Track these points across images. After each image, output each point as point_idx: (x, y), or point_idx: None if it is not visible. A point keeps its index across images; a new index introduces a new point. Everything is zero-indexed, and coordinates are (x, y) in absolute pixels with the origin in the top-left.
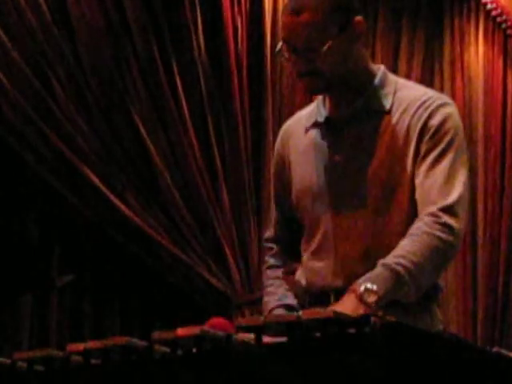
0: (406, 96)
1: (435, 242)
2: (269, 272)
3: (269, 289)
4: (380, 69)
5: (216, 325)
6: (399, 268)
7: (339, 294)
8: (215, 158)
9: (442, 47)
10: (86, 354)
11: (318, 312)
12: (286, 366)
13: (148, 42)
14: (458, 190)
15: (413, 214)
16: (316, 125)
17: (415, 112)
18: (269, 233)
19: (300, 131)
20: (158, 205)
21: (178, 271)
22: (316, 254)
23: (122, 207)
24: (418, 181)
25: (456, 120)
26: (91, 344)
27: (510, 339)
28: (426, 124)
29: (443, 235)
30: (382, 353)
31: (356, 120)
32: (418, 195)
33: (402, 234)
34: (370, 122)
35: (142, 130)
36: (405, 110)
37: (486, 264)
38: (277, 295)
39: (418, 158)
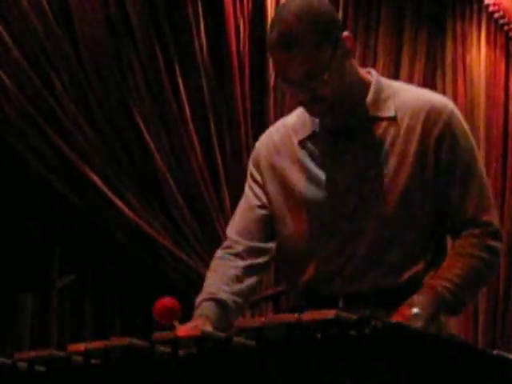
0: (407, 100)
1: (480, 264)
2: (218, 254)
3: (210, 276)
4: (372, 74)
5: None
6: (445, 292)
7: (348, 299)
8: (217, 158)
9: (444, 49)
10: (86, 354)
11: (319, 313)
12: (286, 368)
13: (150, 43)
14: (493, 204)
15: (419, 229)
16: (313, 136)
17: (426, 119)
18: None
19: (291, 141)
20: (160, 206)
21: (179, 272)
22: (314, 262)
23: (124, 208)
24: (452, 196)
25: (464, 122)
26: (92, 344)
27: (511, 342)
28: (444, 131)
29: (487, 257)
30: (383, 354)
31: (359, 129)
32: (455, 210)
33: (416, 244)
34: (377, 130)
35: (144, 131)
36: (412, 116)
37: None
38: (210, 289)
39: (441, 167)
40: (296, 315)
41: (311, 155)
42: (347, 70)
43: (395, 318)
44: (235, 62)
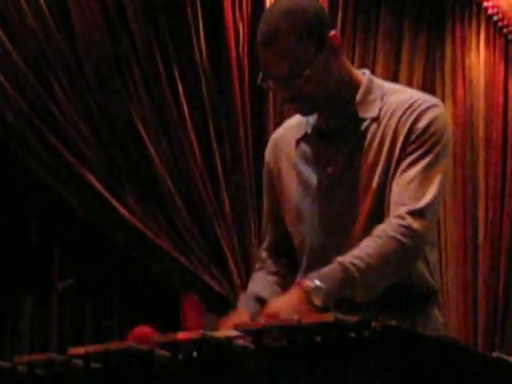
0: (393, 100)
1: (395, 245)
2: (254, 274)
3: (249, 287)
4: (365, 75)
5: (139, 335)
6: (352, 268)
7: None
8: (216, 162)
9: (444, 52)
10: (86, 357)
11: (319, 316)
12: (286, 371)
13: (149, 46)
14: (430, 194)
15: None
16: (306, 137)
17: (401, 116)
18: (264, 243)
19: (291, 142)
20: (160, 209)
21: (179, 275)
22: (310, 265)
23: (123, 211)
24: (393, 182)
25: (441, 122)
26: (92, 348)
27: (511, 345)
28: (411, 128)
29: (404, 239)
30: (382, 357)
31: (346, 130)
32: (391, 196)
33: None
34: (359, 130)
35: (144, 135)
36: (392, 115)
37: (487, 269)
38: (249, 290)
39: (401, 155)
40: (296, 318)
41: (303, 155)
42: (335, 68)
43: (294, 291)
44: (235, 67)
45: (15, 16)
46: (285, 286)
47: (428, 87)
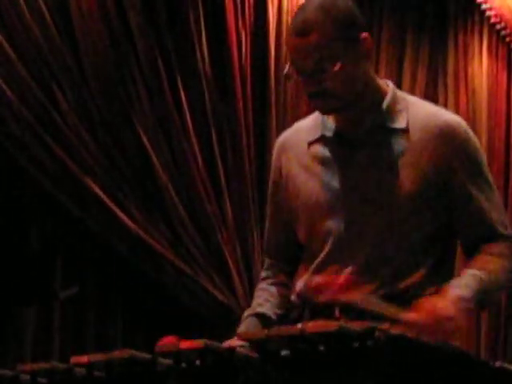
0: (420, 114)
1: (510, 264)
2: (259, 284)
3: (253, 301)
4: (389, 85)
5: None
6: (485, 279)
7: (344, 307)
8: (219, 170)
9: (446, 60)
10: (89, 366)
11: (322, 325)
12: (289, 380)
13: (152, 55)
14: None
15: (423, 237)
16: (322, 139)
17: (440, 134)
18: (266, 249)
19: (301, 144)
20: (162, 217)
21: (181, 284)
22: (321, 269)
23: (126, 219)
24: (469, 209)
25: (476, 139)
26: (94, 356)
27: None
28: (459, 152)
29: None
30: (386, 366)
31: (371, 138)
32: (472, 221)
33: (407, 254)
34: (386, 140)
35: (146, 142)
36: (425, 130)
37: None
38: (252, 306)
39: (456, 183)
40: (299, 327)
41: (318, 158)
42: (362, 72)
43: (445, 295)
44: (237, 74)
45: (18, 25)
46: (287, 295)
47: (430, 96)
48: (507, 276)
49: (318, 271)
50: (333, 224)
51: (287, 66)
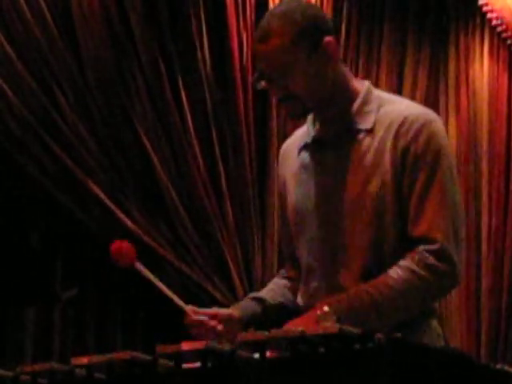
0: (388, 112)
1: (417, 281)
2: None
3: None
4: (364, 85)
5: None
6: (368, 298)
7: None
8: (220, 172)
9: (447, 63)
10: (89, 367)
11: (323, 327)
12: (290, 382)
13: (153, 57)
14: (449, 225)
15: (397, 235)
16: (306, 146)
17: (398, 131)
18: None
19: (294, 152)
20: (163, 219)
21: (181, 285)
22: (306, 277)
23: (127, 221)
24: (409, 208)
25: (440, 138)
26: (95, 358)
27: None
28: (408, 146)
29: (427, 276)
30: (387, 369)
31: (341, 140)
32: (408, 224)
33: (388, 252)
34: (353, 141)
35: (147, 143)
36: (387, 129)
37: (490, 281)
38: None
39: (404, 183)
40: (300, 329)
41: (303, 164)
42: (329, 75)
43: (307, 314)
44: (238, 76)
45: (18, 25)
46: (295, 289)
47: (432, 98)
48: (410, 295)
49: (305, 281)
50: (309, 232)
51: (255, 75)
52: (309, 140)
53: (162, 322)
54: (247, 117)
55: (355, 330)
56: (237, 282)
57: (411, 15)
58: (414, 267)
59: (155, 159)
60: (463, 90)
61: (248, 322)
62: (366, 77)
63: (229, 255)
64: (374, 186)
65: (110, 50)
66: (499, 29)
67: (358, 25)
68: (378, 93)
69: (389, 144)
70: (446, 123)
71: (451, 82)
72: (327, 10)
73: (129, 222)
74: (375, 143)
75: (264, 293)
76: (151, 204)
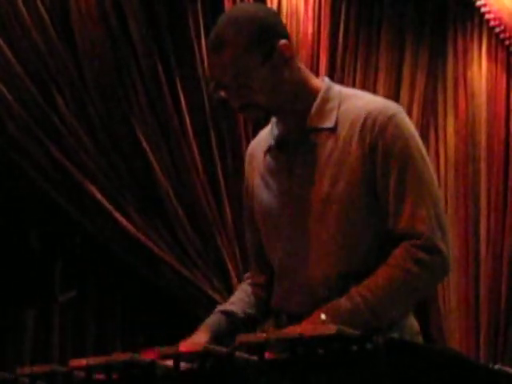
0: (350, 109)
1: (407, 276)
2: (239, 285)
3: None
4: (324, 82)
5: None
6: (361, 301)
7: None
8: (218, 173)
9: (445, 64)
10: (88, 369)
11: (321, 329)
12: (288, 383)
13: (151, 58)
14: (431, 216)
15: (371, 233)
16: (270, 148)
17: (362, 127)
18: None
19: (260, 154)
20: (161, 220)
21: (180, 287)
22: (278, 279)
23: (125, 223)
24: (387, 204)
25: (406, 129)
26: (94, 360)
27: None
28: (376, 141)
29: (416, 270)
30: (385, 370)
31: (303, 141)
32: (388, 218)
33: (363, 251)
34: (317, 141)
35: (146, 146)
36: (350, 126)
37: (489, 280)
38: (225, 303)
39: (378, 180)
40: (298, 331)
41: (268, 167)
42: (286, 78)
43: (305, 322)
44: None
45: (17, 27)
46: (264, 297)
47: (430, 100)
48: (401, 292)
49: (278, 282)
50: (279, 235)
51: (211, 85)
52: (272, 142)
53: (160, 323)
54: (246, 119)
55: (353, 332)
56: (236, 283)
57: (409, 17)
58: (404, 264)
59: (154, 161)
60: (461, 90)
61: (217, 341)
62: (365, 79)
63: (228, 257)
64: (341, 185)
65: (109, 52)
66: (497, 30)
67: (356, 27)
68: (339, 88)
69: (354, 142)
70: (445, 124)
71: (449, 83)
72: (325, 13)
73: (127, 224)
74: (339, 142)
75: (234, 305)
76: (150, 206)
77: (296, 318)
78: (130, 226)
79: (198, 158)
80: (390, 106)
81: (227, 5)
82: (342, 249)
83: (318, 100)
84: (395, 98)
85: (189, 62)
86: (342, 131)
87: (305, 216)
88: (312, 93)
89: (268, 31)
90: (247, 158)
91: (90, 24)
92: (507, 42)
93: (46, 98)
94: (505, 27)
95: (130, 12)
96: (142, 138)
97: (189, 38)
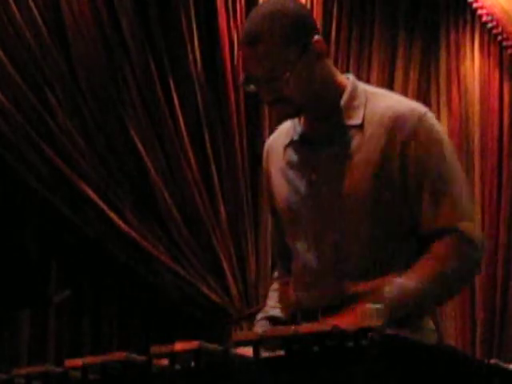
0: (377, 107)
1: (449, 270)
2: (272, 284)
3: (267, 301)
4: (349, 79)
5: None
6: (410, 291)
7: (327, 311)
8: (212, 172)
9: (438, 60)
10: (84, 369)
11: (316, 325)
12: (284, 380)
13: (144, 58)
14: (468, 212)
15: (393, 231)
16: (292, 143)
17: (391, 126)
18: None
19: (280, 148)
20: (156, 220)
21: (176, 286)
22: (301, 273)
23: (120, 223)
24: (422, 203)
25: (438, 129)
26: (89, 359)
27: (508, 353)
28: (408, 141)
29: (459, 264)
30: (381, 366)
31: (330, 137)
32: (424, 217)
33: (391, 248)
34: (343, 138)
35: (139, 146)
36: (378, 124)
37: (484, 277)
38: (266, 307)
39: (409, 176)
40: (293, 327)
41: (289, 161)
42: (318, 73)
43: (354, 313)
44: (229, 76)
45: (9, 28)
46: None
47: (423, 95)
48: (443, 280)
49: (300, 276)
50: (302, 230)
51: (242, 78)
52: (296, 137)
53: (156, 322)
54: (239, 116)
55: (349, 328)
56: (230, 282)
57: (402, 12)
58: (449, 256)
59: (148, 161)
60: (454, 86)
61: None
62: (357, 74)
63: (222, 255)
64: (366, 182)
65: (101, 52)
66: (490, 25)
67: (349, 23)
68: (363, 86)
69: (382, 140)
70: (438, 119)
71: (442, 78)
72: (317, 8)
73: (122, 224)
74: (366, 139)
75: (275, 310)
76: (144, 206)
77: (312, 314)
78: (124, 226)
79: (191, 156)
80: (420, 107)
81: (219, 2)
82: (365, 245)
83: (345, 97)
84: None
85: (182, 60)
86: (369, 129)
87: (327, 211)
88: (339, 89)
89: (304, 26)
90: (265, 153)
91: (82, 24)
92: (500, 38)
93: (40, 98)
94: (497, 23)
95: (122, 12)
96: (136, 138)
97: (181, 36)
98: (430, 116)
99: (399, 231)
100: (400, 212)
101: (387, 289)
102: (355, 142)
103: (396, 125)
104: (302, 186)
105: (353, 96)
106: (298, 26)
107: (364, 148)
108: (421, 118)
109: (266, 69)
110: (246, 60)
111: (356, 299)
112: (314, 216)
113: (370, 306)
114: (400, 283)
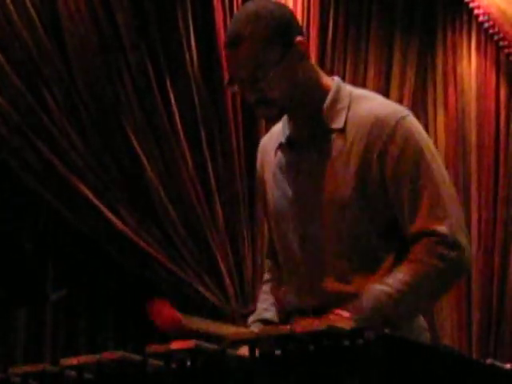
0: (359, 111)
1: (430, 271)
2: (263, 287)
3: (257, 304)
4: (334, 81)
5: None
6: (385, 298)
7: (316, 312)
8: (209, 172)
9: (435, 60)
10: (79, 368)
11: (312, 325)
12: (279, 380)
13: (141, 57)
14: (449, 213)
15: (375, 233)
16: (281, 146)
17: (370, 132)
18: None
19: (271, 151)
20: (152, 219)
21: (172, 285)
22: (290, 277)
23: (116, 221)
24: (402, 207)
25: (416, 132)
26: (85, 358)
27: (505, 352)
28: (386, 144)
29: (439, 265)
30: (376, 365)
31: (313, 140)
32: (404, 219)
33: (366, 252)
34: (325, 141)
35: (136, 145)
36: (359, 127)
37: (480, 276)
38: (258, 310)
39: (387, 182)
40: (289, 327)
41: (279, 164)
42: (301, 74)
43: (327, 319)
44: (226, 76)
45: (7, 29)
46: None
47: (419, 95)
48: (421, 285)
49: (287, 281)
50: (290, 233)
51: (227, 79)
52: (283, 140)
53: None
54: (236, 116)
55: (344, 327)
56: (227, 282)
57: (398, 12)
58: (427, 259)
59: (144, 160)
60: (451, 86)
61: None
62: (354, 74)
63: (219, 254)
64: (346, 186)
65: (98, 50)
66: (486, 25)
67: (345, 22)
68: (348, 89)
69: (362, 144)
70: (435, 119)
71: (439, 78)
72: (314, 8)
73: (119, 223)
74: (347, 143)
75: (269, 312)
76: (141, 205)
77: (302, 315)
78: (121, 225)
79: (187, 156)
80: (400, 110)
81: (216, 1)
82: (349, 245)
83: (329, 100)
84: (385, 93)
85: (179, 61)
86: (351, 132)
87: (312, 216)
88: (323, 92)
89: (286, 26)
90: (259, 154)
91: (79, 22)
92: (496, 38)
93: (36, 96)
94: (494, 23)
95: (118, 10)
96: (132, 137)
97: (178, 36)
98: (409, 119)
99: (382, 231)
100: (382, 213)
101: (365, 297)
102: (337, 145)
103: (375, 128)
104: (288, 189)
105: (336, 99)
106: (280, 26)
107: (345, 151)
108: (399, 121)
109: (249, 69)
110: (229, 61)
111: (339, 301)
112: (298, 218)
113: (344, 314)
114: (378, 291)
